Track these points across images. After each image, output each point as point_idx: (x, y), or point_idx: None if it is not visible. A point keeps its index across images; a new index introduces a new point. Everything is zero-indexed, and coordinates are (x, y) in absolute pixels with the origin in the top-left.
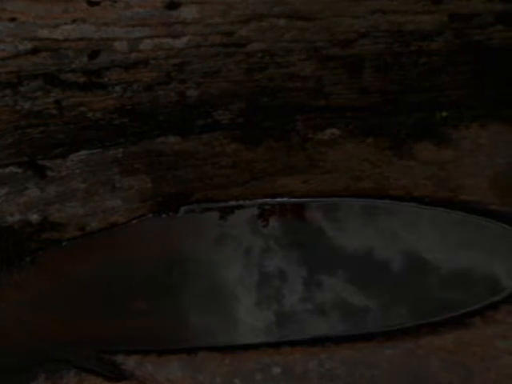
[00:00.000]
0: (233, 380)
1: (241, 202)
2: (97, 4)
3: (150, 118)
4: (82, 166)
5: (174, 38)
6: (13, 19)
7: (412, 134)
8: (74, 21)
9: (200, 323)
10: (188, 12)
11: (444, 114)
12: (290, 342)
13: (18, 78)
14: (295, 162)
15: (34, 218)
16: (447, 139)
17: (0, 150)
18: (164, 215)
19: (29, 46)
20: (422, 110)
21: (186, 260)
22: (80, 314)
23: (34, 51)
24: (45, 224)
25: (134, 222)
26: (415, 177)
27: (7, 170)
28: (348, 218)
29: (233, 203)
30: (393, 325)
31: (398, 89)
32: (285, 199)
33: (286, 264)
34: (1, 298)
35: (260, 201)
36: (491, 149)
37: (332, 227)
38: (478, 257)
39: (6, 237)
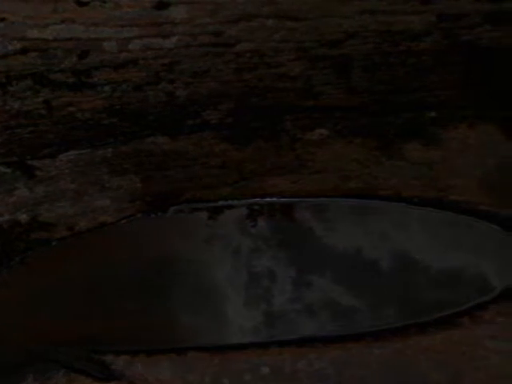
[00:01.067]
0: (222, 380)
1: (230, 202)
2: (86, 4)
3: (140, 118)
4: (71, 166)
5: (163, 37)
6: (2, 19)
7: (401, 134)
8: (63, 21)
9: (189, 323)
10: (177, 12)
11: (433, 114)
12: (278, 342)
13: (7, 78)
14: (284, 162)
15: (23, 217)
16: (436, 139)
17: None
18: (153, 215)
19: (18, 45)
20: (411, 110)
21: (174, 260)
22: (69, 313)
23: (23, 51)
24: (34, 224)
25: (123, 221)
26: (404, 177)
27: None
28: (337, 218)
29: (222, 203)
30: (382, 325)
31: (387, 89)
32: (274, 199)
33: (274, 264)
34: None
35: (249, 201)
36: (480, 149)
37: (321, 227)
38: (467, 257)
39: None
